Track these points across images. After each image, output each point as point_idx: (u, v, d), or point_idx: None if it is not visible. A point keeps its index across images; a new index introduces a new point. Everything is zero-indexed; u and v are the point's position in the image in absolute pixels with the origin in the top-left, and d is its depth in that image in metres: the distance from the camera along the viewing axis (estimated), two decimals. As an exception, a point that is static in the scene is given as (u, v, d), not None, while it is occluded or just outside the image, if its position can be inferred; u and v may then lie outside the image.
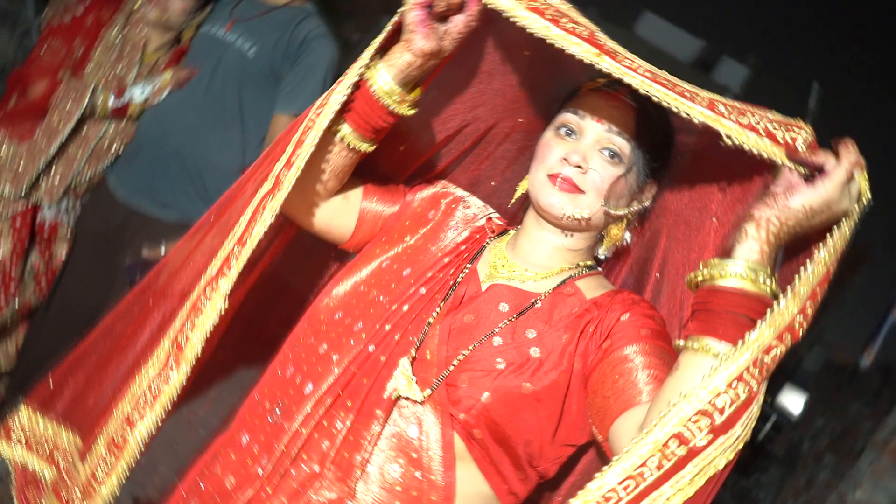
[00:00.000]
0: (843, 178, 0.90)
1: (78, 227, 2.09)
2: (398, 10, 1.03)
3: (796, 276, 0.88)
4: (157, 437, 1.11)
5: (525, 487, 1.09)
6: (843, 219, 0.91)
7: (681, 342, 0.93)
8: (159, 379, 1.08)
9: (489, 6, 1.02)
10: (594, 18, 1.03)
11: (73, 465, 1.13)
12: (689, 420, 0.83)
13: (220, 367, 1.45)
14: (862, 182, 0.91)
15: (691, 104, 0.93)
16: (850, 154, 0.90)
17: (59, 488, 1.12)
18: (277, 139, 1.14)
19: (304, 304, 1.43)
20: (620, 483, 0.82)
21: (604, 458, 1.07)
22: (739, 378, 0.84)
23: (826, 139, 0.96)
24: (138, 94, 2.06)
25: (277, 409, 1.10)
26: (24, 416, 1.21)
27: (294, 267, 1.41)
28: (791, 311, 0.86)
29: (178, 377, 1.07)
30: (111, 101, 2.05)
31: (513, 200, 1.27)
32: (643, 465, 0.83)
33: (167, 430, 1.68)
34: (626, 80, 0.95)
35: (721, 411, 0.83)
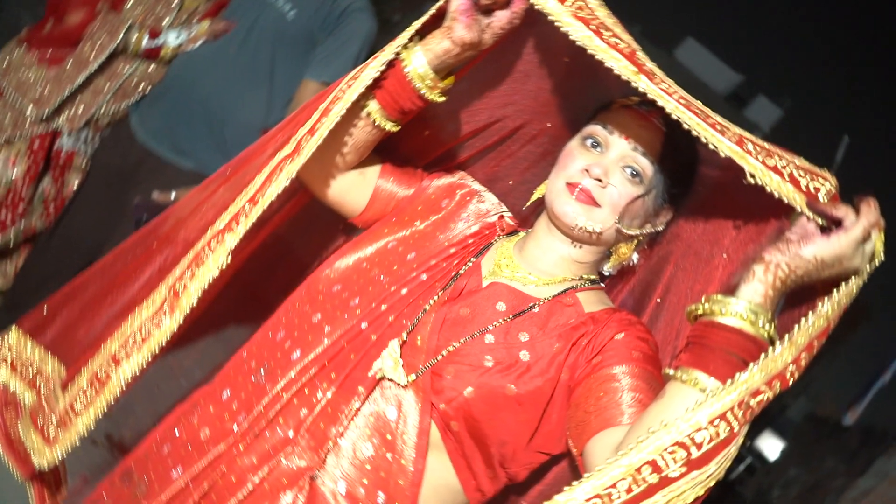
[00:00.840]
0: (860, 236, 0.89)
1: (94, 159, 2.10)
2: None
3: (796, 325, 0.88)
4: (139, 380, 1.11)
5: (493, 487, 1.09)
6: (853, 276, 0.91)
7: (671, 371, 0.93)
8: (151, 322, 1.09)
9: (535, 7, 1.01)
10: (637, 37, 1.03)
11: (54, 393, 1.13)
12: (666, 450, 0.83)
13: (212, 321, 1.45)
14: (878, 243, 0.91)
15: (720, 137, 0.93)
16: (870, 213, 0.90)
17: (36, 413, 1.13)
18: (304, 105, 1.14)
19: (305, 272, 1.43)
20: (588, 500, 0.83)
21: (575, 472, 1.08)
22: (722, 416, 0.84)
23: (849, 194, 0.95)
24: (173, 38, 2.06)
25: (262, 370, 1.10)
26: (13, 338, 1.21)
27: (301, 234, 1.41)
28: (785, 359, 0.86)
29: (170, 324, 1.07)
30: (145, 41, 2.05)
31: (528, 203, 1.27)
32: (613, 486, 0.83)
33: (150, 375, 1.69)
34: (660, 102, 0.94)
35: (699, 446, 0.83)
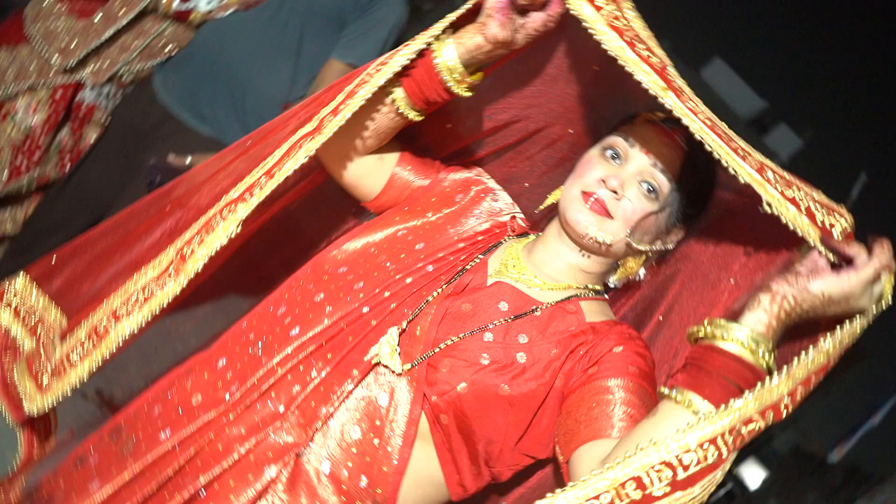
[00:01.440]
0: (870, 277, 0.89)
1: (114, 116, 2.10)
2: None
3: (795, 358, 0.88)
4: (136, 339, 1.12)
5: (475, 484, 1.10)
6: (858, 316, 0.91)
7: (665, 390, 0.93)
8: (155, 283, 1.09)
9: (571, 12, 1.01)
10: (666, 51, 1.03)
11: (53, 342, 1.14)
12: (653, 468, 0.83)
13: (215, 289, 1.46)
14: (887, 285, 0.91)
15: (741, 162, 0.93)
16: (883, 254, 0.90)
17: (32, 360, 1.14)
18: (331, 85, 1.14)
19: (311, 251, 1.44)
20: None
21: (559, 479, 1.08)
22: (712, 441, 0.84)
23: (862, 232, 0.95)
24: (204, 3, 2.06)
25: (260, 343, 1.11)
26: (20, 284, 1.22)
27: (312, 212, 1.41)
28: (781, 391, 0.86)
29: (174, 287, 1.08)
30: (175, 3, 2.05)
31: (541, 207, 1.27)
32: (596, 497, 0.83)
33: (148, 336, 1.70)
34: (685, 121, 0.94)
35: (686, 468, 0.83)
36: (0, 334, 1.20)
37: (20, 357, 1.17)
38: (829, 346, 0.89)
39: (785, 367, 0.87)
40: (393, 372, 1.06)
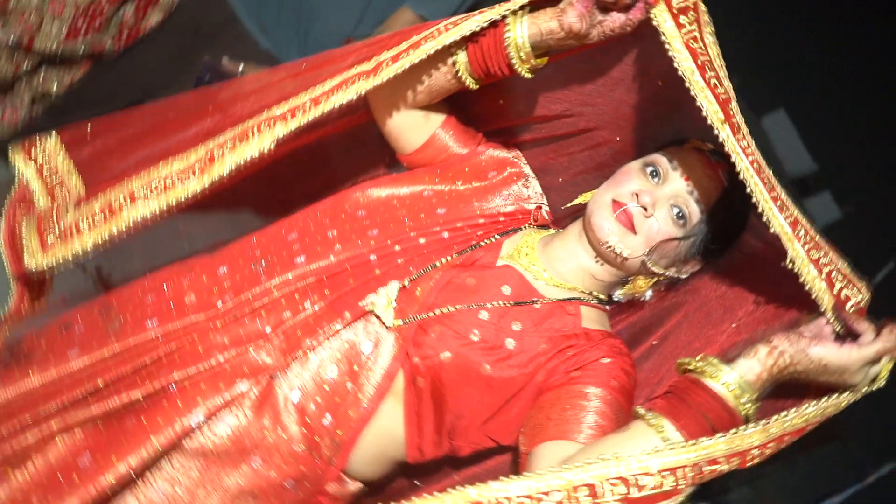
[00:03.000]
0: (870, 357, 0.89)
1: (180, 5, 2.09)
2: None
3: (776, 415, 0.88)
4: (146, 225, 1.13)
5: (434, 452, 1.12)
6: (848, 391, 0.91)
7: (642, 411, 0.94)
8: (178, 176, 1.10)
9: (652, 22, 1.00)
10: (734, 87, 1.01)
11: (67, 207, 1.15)
12: (609, 479, 0.84)
13: (233, 200, 1.46)
14: (885, 369, 0.91)
15: (777, 213, 0.92)
16: (891, 339, 0.90)
17: (43, 218, 1.15)
18: (398, 31, 1.13)
19: (335, 187, 1.44)
20: (519, 497, 0.84)
21: (514, 469, 1.10)
22: (673, 471, 0.85)
23: (877, 315, 0.95)
24: None
25: (263, 262, 1.12)
26: (51, 144, 1.23)
27: (346, 151, 1.42)
28: (752, 441, 0.87)
29: (195, 185, 1.08)
30: None
31: (569, 204, 1.26)
32: (547, 493, 0.85)
33: (158, 227, 1.72)
34: (734, 158, 0.93)
35: (640, 488, 0.84)
36: (21, 185, 1.22)
37: (33, 213, 1.19)
38: (810, 412, 0.89)
39: (763, 420, 0.88)
40: (383, 324, 1.07)
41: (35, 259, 1.11)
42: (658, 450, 0.86)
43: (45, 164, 1.22)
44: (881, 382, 0.91)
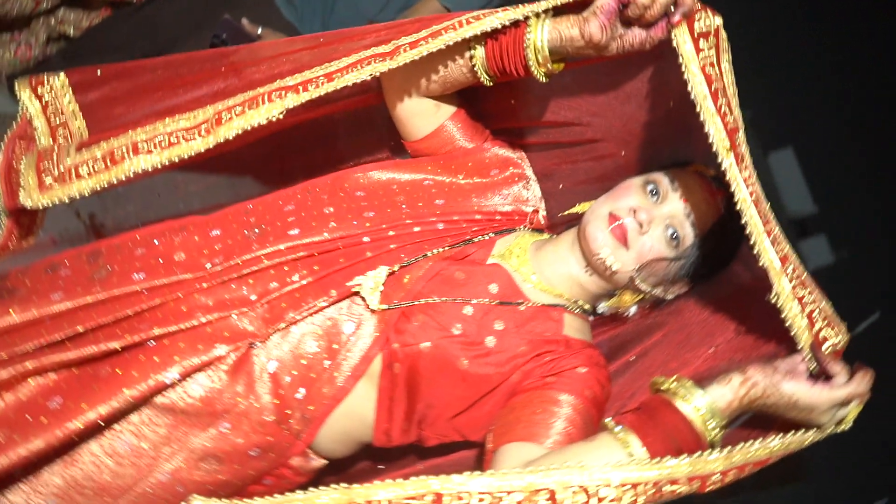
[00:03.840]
0: (840, 399, 0.91)
1: (207, -40, 2.09)
2: None
3: (741, 443, 0.89)
4: (145, 178, 1.13)
5: (401, 438, 1.12)
6: (814, 430, 0.92)
7: (611, 423, 0.95)
8: (184, 133, 1.10)
9: (672, 42, 1.00)
10: (744, 119, 1.02)
11: (68, 149, 1.15)
12: (570, 487, 0.85)
13: (235, 164, 1.47)
14: (853, 412, 0.92)
15: (768, 247, 0.93)
16: (862, 384, 0.91)
17: (43, 157, 1.15)
18: (419, 18, 1.13)
19: (337, 165, 1.45)
20: (480, 493, 0.85)
21: (478, 464, 1.11)
22: (633, 486, 0.86)
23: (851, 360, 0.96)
24: None
25: (257, 230, 1.12)
26: (59, 83, 1.23)
27: (352, 130, 1.42)
28: (714, 467, 0.88)
29: (199, 144, 1.08)
30: None
31: (566, 212, 1.27)
32: (508, 493, 0.85)
33: (156, 181, 1.72)
34: (734, 187, 0.94)
35: (600, 500, 0.85)
36: (23, 120, 1.21)
37: (33, 150, 1.19)
38: (774, 445, 0.90)
39: (729, 447, 0.89)
40: (367, 307, 1.07)
41: (31, 197, 1.11)
42: (622, 464, 0.87)
43: (50, 102, 1.22)
44: (847, 426, 0.93)
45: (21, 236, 1.25)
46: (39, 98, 1.21)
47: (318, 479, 1.16)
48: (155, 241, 1.12)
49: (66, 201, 1.10)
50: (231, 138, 1.07)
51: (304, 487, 0.97)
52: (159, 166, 1.09)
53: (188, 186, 1.76)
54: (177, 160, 1.09)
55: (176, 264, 1.09)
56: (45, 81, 1.23)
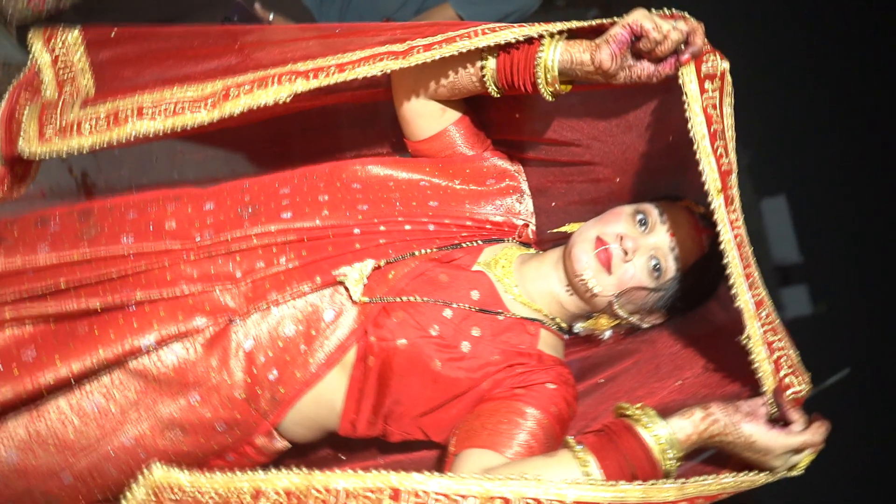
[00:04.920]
0: (794, 446, 0.93)
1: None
2: (615, 17, 1.04)
3: (695, 476, 0.92)
4: (144, 145, 1.13)
5: (366, 430, 1.14)
6: (767, 472, 0.95)
7: (572, 441, 0.97)
8: (190, 104, 1.10)
9: (678, 80, 1.02)
10: (745, 163, 1.04)
11: (73, 104, 1.15)
12: (525, 498, 0.87)
13: (235, 140, 1.48)
14: (805, 460, 0.95)
15: (746, 289, 0.96)
16: (817, 434, 0.94)
17: (46, 109, 1.15)
18: (437, 22, 1.15)
19: (335, 154, 1.46)
20: (437, 494, 0.87)
21: (438, 466, 1.12)
22: None
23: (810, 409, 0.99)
24: None
25: (250, 208, 1.13)
26: (71, 38, 1.23)
27: (356, 123, 1.43)
28: (667, 496, 0.90)
29: (204, 116, 1.09)
30: None
31: (555, 230, 1.29)
32: (464, 497, 0.87)
33: (154, 147, 1.72)
34: (720, 227, 0.97)
35: None
36: (31, 70, 1.21)
37: (37, 100, 1.19)
38: (727, 482, 0.93)
39: (682, 479, 0.91)
40: (350, 297, 1.09)
41: (30, 146, 1.10)
42: (578, 482, 0.89)
43: (60, 56, 1.22)
44: (799, 471, 0.96)
45: (12, 185, 1.24)
46: (51, 51, 1.21)
47: (279, 461, 1.17)
48: (148, 207, 1.13)
49: (64, 155, 1.10)
50: (236, 115, 1.07)
51: (264, 467, 0.98)
52: (161, 133, 1.09)
53: (186, 157, 1.76)
54: (179, 129, 1.09)
55: (166, 233, 1.09)
56: (59, 35, 1.23)
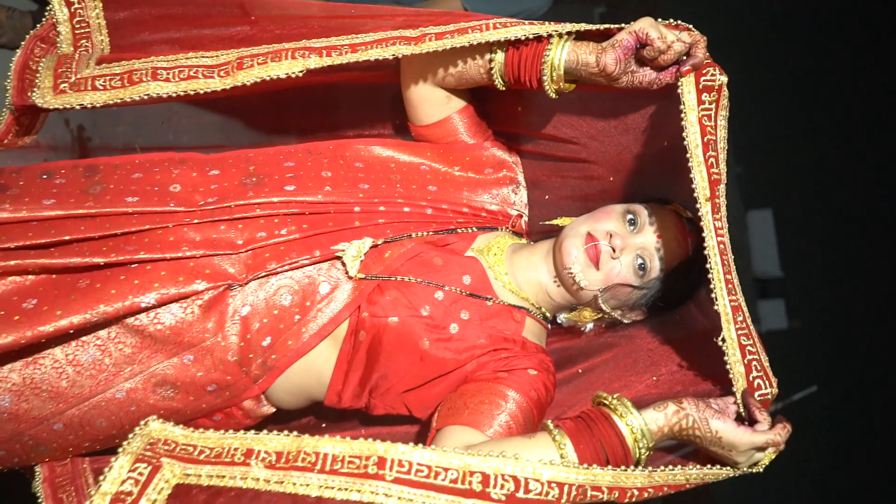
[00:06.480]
0: (758, 444, 0.98)
1: None
2: (623, 24, 1.07)
3: (662, 466, 0.97)
4: (153, 108, 1.14)
5: (351, 402, 1.17)
6: (730, 467, 1.00)
7: (551, 425, 1.02)
8: (203, 70, 1.12)
9: (678, 89, 1.06)
10: (734, 177, 1.08)
11: (88, 61, 1.17)
12: (503, 475, 0.92)
13: (237, 108, 1.49)
14: (767, 458, 1.00)
15: (724, 294, 1.00)
16: (780, 434, 0.99)
17: (62, 63, 1.16)
18: (450, 12, 1.18)
19: (338, 132, 1.48)
20: (420, 464, 0.91)
21: (417, 441, 1.16)
22: (560, 485, 0.93)
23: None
24: None
25: (254, 178, 1.15)
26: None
27: (363, 103, 1.45)
28: (635, 482, 0.95)
29: (216, 83, 1.11)
30: None
31: (547, 222, 1.33)
32: (446, 469, 0.92)
33: (161, 109, 1.71)
34: (705, 233, 1.01)
35: (527, 491, 0.92)
36: (48, 23, 1.22)
37: (53, 53, 1.20)
38: (693, 473, 0.98)
39: (651, 467, 0.96)
40: (346, 272, 1.12)
41: (44, 97, 1.12)
42: (553, 463, 0.94)
43: (78, 12, 1.23)
44: (760, 468, 1.01)
45: (18, 135, 1.25)
46: (69, 5, 1.22)
47: (262, 424, 1.20)
48: (154, 169, 1.14)
49: (77, 108, 1.12)
50: (248, 84, 1.10)
51: (247, 430, 1.01)
52: (174, 96, 1.11)
53: (183, 121, 1.75)
54: (192, 94, 1.12)
55: (171, 195, 1.11)
56: None
